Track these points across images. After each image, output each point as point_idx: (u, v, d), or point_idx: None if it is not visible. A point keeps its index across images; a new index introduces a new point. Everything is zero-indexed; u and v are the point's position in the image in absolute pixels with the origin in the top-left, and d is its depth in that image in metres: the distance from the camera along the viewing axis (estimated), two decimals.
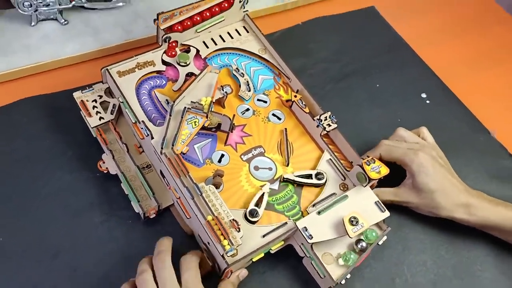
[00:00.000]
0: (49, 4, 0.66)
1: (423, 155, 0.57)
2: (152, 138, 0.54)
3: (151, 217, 0.56)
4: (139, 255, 0.53)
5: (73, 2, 0.67)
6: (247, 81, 0.63)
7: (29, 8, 0.65)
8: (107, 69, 0.59)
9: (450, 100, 0.74)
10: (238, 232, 0.49)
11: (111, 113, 0.59)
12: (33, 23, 0.68)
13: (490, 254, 0.60)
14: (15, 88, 0.65)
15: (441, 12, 0.87)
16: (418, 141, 0.61)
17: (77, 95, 0.60)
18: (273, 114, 0.62)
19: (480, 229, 0.59)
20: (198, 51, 0.63)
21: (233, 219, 0.50)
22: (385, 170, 0.53)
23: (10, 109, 0.63)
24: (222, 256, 0.49)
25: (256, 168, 0.57)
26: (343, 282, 0.52)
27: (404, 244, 0.60)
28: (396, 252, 0.59)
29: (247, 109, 0.61)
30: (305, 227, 0.52)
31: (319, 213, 0.53)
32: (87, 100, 0.59)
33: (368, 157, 0.55)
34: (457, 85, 0.76)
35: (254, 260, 0.52)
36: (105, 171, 0.58)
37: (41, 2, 0.65)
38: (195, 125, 0.55)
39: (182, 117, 0.54)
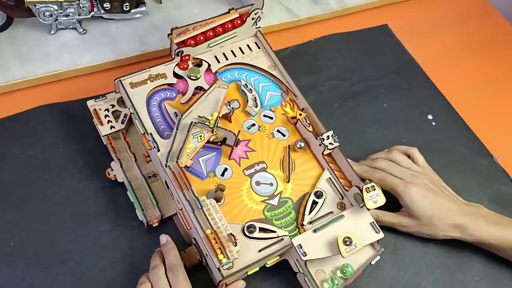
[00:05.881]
0: (68, 15, 0.69)
1: (413, 188, 0.59)
2: (159, 150, 0.56)
3: (154, 225, 0.58)
4: (141, 263, 0.57)
5: (92, 13, 0.70)
6: (255, 97, 0.64)
7: (50, 18, 0.68)
8: (120, 80, 0.61)
9: (456, 123, 0.75)
10: (235, 246, 0.51)
11: (122, 123, 0.62)
12: (52, 32, 0.71)
13: (484, 278, 0.61)
14: (32, 95, 0.67)
15: (456, 34, 0.87)
16: (410, 166, 0.63)
17: (90, 103, 0.62)
18: (278, 131, 0.63)
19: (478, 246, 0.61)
20: (209, 65, 0.65)
21: (231, 233, 0.52)
22: (382, 201, 0.55)
23: (26, 116, 0.65)
24: (218, 268, 0.51)
25: (258, 183, 0.59)
26: None
27: (399, 266, 0.61)
28: (391, 273, 0.60)
29: (253, 124, 0.63)
30: (300, 244, 0.54)
31: (315, 231, 0.55)
32: (100, 109, 0.62)
33: (370, 181, 0.56)
34: (465, 108, 0.76)
35: (249, 273, 0.54)
36: (113, 179, 0.60)
37: (61, 12, 0.68)
38: (201, 139, 0.57)
39: (188, 131, 0.56)
